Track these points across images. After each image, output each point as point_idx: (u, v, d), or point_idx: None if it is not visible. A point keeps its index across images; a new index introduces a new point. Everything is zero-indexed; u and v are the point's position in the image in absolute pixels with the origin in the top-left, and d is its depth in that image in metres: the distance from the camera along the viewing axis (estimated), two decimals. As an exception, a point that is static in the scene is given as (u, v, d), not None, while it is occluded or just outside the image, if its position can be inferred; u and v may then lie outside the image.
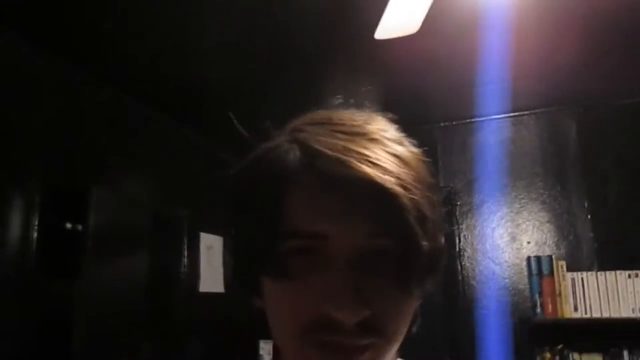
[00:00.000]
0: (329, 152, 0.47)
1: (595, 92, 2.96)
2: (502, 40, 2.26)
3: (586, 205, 2.98)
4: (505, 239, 3.08)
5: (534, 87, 2.91)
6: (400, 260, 0.48)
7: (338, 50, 2.46)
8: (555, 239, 3.00)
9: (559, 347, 2.68)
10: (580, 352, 2.69)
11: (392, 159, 0.49)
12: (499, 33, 2.19)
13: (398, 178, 0.47)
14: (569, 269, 2.75)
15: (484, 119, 3.24)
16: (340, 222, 0.47)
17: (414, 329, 0.56)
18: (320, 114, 0.55)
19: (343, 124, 0.51)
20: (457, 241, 3.16)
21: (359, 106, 0.54)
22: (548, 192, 3.05)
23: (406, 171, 0.49)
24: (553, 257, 2.80)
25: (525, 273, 2.83)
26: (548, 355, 2.68)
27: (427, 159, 0.54)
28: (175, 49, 2.41)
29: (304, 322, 0.47)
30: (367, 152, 0.48)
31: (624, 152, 2.93)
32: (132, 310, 2.48)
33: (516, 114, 3.18)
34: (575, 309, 2.68)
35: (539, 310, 2.71)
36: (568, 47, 2.44)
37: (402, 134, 0.53)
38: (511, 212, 3.10)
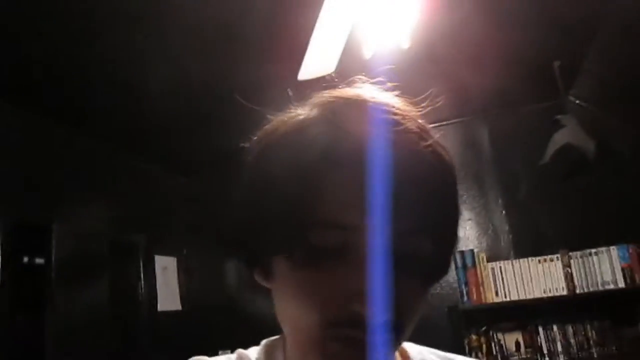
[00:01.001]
0: (366, 141, 0.45)
1: (501, 101, 3.35)
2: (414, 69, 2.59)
3: (500, 202, 3.37)
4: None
5: (450, 101, 3.29)
6: (433, 264, 0.48)
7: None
8: (477, 234, 3.38)
9: (484, 329, 3.05)
10: (503, 332, 3.07)
11: (428, 150, 0.47)
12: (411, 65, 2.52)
13: (443, 179, 0.48)
14: (489, 260, 3.12)
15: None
16: (379, 217, 0.45)
17: None
18: (349, 92, 0.52)
19: (377, 107, 0.49)
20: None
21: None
22: (467, 193, 3.43)
23: (445, 169, 0.48)
24: (475, 250, 3.17)
25: (453, 266, 3.19)
26: (474, 337, 3.05)
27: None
28: (123, 87, 2.63)
29: (329, 315, 0.46)
30: (414, 147, 0.46)
31: (530, 152, 3.32)
32: (99, 333, 2.67)
33: (437, 124, 3.54)
34: (497, 294, 3.05)
35: (466, 298, 3.07)
36: (473, 68, 2.81)
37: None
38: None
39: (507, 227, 3.32)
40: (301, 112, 0.52)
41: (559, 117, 2.98)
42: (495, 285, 3.07)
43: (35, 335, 2.39)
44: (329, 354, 0.46)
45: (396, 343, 0.49)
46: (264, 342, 0.60)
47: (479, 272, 3.09)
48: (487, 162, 3.45)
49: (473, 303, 3.05)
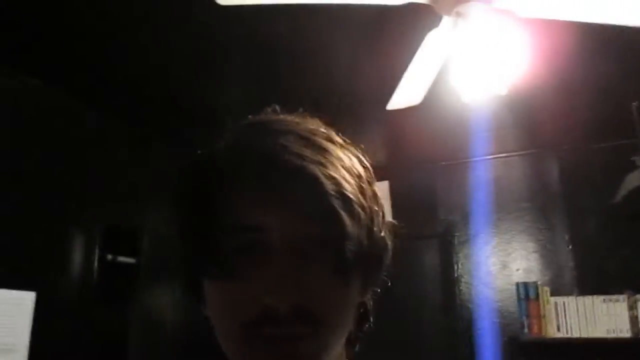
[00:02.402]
0: (255, 149, 0.49)
1: (574, 136, 3.37)
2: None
3: (567, 237, 3.38)
4: (497, 266, 3.47)
5: (519, 133, 3.34)
6: (332, 247, 0.49)
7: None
8: (541, 267, 3.39)
9: (543, 363, 3.06)
10: (562, 367, 3.07)
11: (317, 150, 0.50)
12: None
13: (320, 165, 0.49)
14: (552, 294, 3.13)
15: (478, 159, 3.64)
16: (271, 212, 0.48)
17: (364, 328, 0.59)
18: (255, 118, 0.56)
19: (272, 123, 0.53)
20: (455, 269, 3.55)
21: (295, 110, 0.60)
22: (534, 225, 3.45)
23: (332, 161, 0.50)
24: (538, 283, 3.19)
25: (515, 297, 3.21)
26: (533, 370, 3.06)
27: (358, 146, 0.57)
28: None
29: (245, 319, 0.47)
30: (289, 144, 0.49)
31: (600, 189, 3.31)
32: (179, 330, 2.84)
33: (505, 155, 3.59)
34: (558, 329, 3.06)
35: (526, 330, 3.09)
36: (545, 104, 2.86)
37: (334, 131, 0.56)
38: (502, 242, 3.49)
39: (572, 263, 3.32)
40: (215, 143, 0.55)
41: (634, 158, 2.98)
42: (557, 320, 3.07)
43: (120, 327, 2.58)
44: (254, 355, 0.47)
45: (325, 337, 0.48)
46: None
47: (541, 305, 3.10)
48: (555, 196, 3.46)
49: (533, 336, 3.07)
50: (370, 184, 0.55)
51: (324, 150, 0.51)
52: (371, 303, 0.59)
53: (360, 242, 0.50)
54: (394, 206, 3.71)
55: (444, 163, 3.69)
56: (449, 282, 3.54)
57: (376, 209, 0.55)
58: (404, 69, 2.03)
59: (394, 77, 2.10)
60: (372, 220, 0.53)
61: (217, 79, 2.56)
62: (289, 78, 2.57)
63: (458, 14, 1.66)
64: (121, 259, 2.62)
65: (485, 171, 3.62)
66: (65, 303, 2.46)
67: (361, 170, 0.55)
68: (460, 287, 3.51)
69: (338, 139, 0.55)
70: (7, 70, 2.31)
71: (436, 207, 3.67)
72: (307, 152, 0.49)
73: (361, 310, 0.57)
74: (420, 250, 3.65)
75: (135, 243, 2.63)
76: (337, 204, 0.48)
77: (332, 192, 0.48)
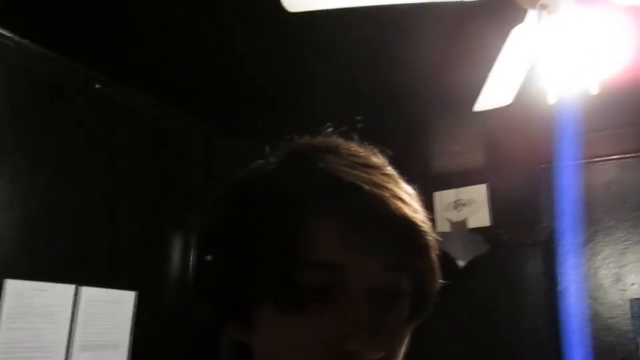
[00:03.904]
0: (362, 186, 0.46)
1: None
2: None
3: (692, 249, 3.00)
4: (609, 279, 3.16)
5: (634, 132, 3.01)
6: (415, 299, 0.48)
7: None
8: (658, 284, 3.04)
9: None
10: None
11: (408, 195, 0.49)
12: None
13: (417, 212, 0.48)
14: (674, 313, 2.80)
15: (587, 161, 3.34)
16: (359, 254, 0.45)
17: None
18: (325, 141, 0.53)
19: (353, 155, 0.51)
20: (560, 280, 3.29)
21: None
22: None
23: (419, 208, 0.49)
24: (656, 300, 2.87)
25: (629, 314, 2.91)
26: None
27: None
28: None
29: (324, 358, 0.45)
30: (383, 183, 0.47)
31: None
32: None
33: (619, 156, 3.27)
34: (681, 352, 2.72)
35: (642, 351, 2.79)
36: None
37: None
38: (615, 253, 3.18)
39: (694, 280, 2.95)
40: (273, 160, 0.53)
41: None
42: (680, 342, 2.74)
43: (215, 326, 2.68)
44: None
45: None
46: None
47: (660, 324, 2.78)
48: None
49: (650, 358, 2.76)
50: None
51: (404, 189, 0.49)
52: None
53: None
54: (493, 211, 3.53)
55: (544, 166, 3.44)
56: (552, 295, 3.28)
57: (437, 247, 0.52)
58: (490, 68, 1.91)
59: (481, 77, 1.99)
60: (437, 258, 0.52)
61: (302, 86, 2.58)
62: (372, 83, 2.53)
63: (543, 6, 1.53)
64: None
65: (594, 175, 3.32)
66: (164, 302, 2.60)
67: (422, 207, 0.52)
68: (566, 301, 3.24)
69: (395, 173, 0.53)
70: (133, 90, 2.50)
71: (539, 213, 3.42)
72: (393, 188, 0.48)
73: None
74: (521, 259, 3.43)
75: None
76: (428, 244, 0.47)
77: (434, 247, 0.48)
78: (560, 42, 1.55)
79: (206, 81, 2.56)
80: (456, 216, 3.57)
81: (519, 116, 2.66)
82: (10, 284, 1.99)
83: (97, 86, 2.42)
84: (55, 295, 2.14)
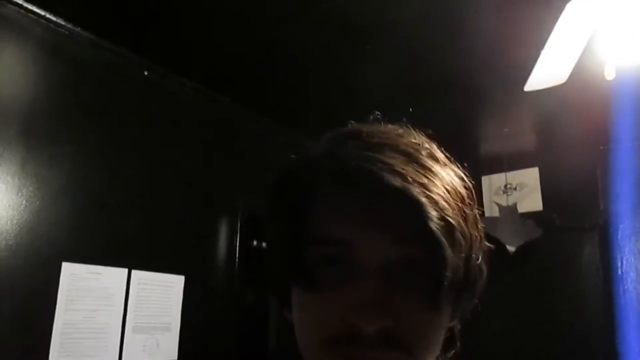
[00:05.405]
0: (353, 162, 0.47)
1: None
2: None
3: None
4: (670, 265, 3.01)
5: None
6: (428, 272, 0.47)
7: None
8: None
9: None
10: None
11: (420, 169, 0.48)
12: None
13: (424, 187, 0.47)
14: None
15: (646, 141, 3.18)
16: (366, 230, 0.46)
17: (450, 354, 0.55)
18: (353, 128, 0.55)
19: (372, 136, 0.51)
20: (619, 265, 3.15)
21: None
22: None
23: (435, 183, 0.48)
24: None
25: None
26: None
27: (470, 179, 0.54)
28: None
29: (327, 334, 0.46)
30: (391, 161, 0.47)
31: None
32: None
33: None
34: None
35: None
36: None
37: (442, 151, 0.54)
38: (677, 237, 3.02)
39: None
40: (304, 153, 0.55)
41: None
42: None
43: (261, 309, 2.73)
44: None
45: None
46: None
47: None
48: None
49: None
50: (472, 206, 0.52)
51: (427, 169, 0.49)
52: (459, 327, 0.56)
53: (458, 269, 0.48)
54: (545, 195, 3.41)
55: (602, 147, 3.28)
56: (611, 281, 3.15)
57: (476, 234, 0.52)
58: (543, 46, 1.82)
59: (534, 54, 1.90)
60: (471, 247, 0.51)
61: (352, 70, 2.54)
62: (423, 66, 2.46)
63: (602, -24, 1.44)
64: (264, 245, 2.76)
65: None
66: (212, 286, 2.65)
67: (463, 192, 0.52)
68: (626, 287, 3.11)
69: (441, 156, 0.53)
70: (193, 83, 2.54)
71: (596, 196, 3.27)
72: (409, 171, 0.47)
73: (448, 335, 0.53)
74: (577, 244, 3.30)
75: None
76: (438, 229, 0.46)
77: (434, 217, 0.46)
78: (619, 14, 1.45)
79: (254, 69, 2.56)
80: (506, 201, 3.47)
81: (574, 95, 2.54)
82: (67, 267, 2.06)
83: (145, 73, 2.46)
84: (109, 278, 2.21)
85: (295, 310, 0.51)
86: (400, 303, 0.45)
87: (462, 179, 0.53)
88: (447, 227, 0.47)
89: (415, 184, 0.46)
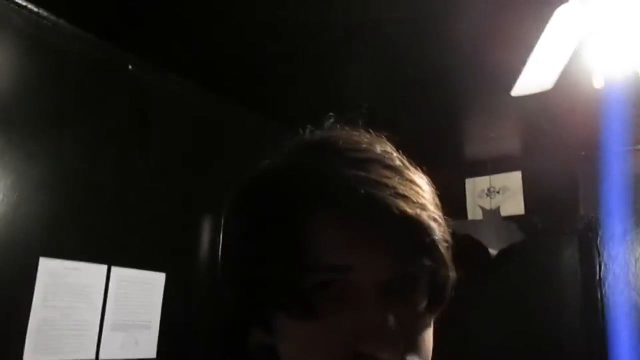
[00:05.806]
0: (346, 183, 0.45)
1: None
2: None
3: None
4: (650, 270, 3.05)
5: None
6: (428, 286, 0.47)
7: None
8: None
9: None
10: None
11: (406, 182, 0.47)
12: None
13: (423, 208, 0.46)
14: None
15: (628, 149, 3.22)
16: (366, 253, 0.44)
17: None
18: (324, 137, 0.53)
19: (353, 150, 0.49)
20: (598, 270, 3.19)
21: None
22: None
23: (423, 195, 0.48)
24: (702, 293, 2.75)
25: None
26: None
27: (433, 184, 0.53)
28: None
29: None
30: (384, 180, 0.46)
31: None
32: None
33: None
34: None
35: (684, 346, 2.69)
36: None
37: (401, 156, 0.52)
38: (657, 243, 3.06)
39: None
40: (277, 160, 0.52)
41: None
42: None
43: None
44: None
45: None
46: None
47: None
48: None
49: (693, 353, 2.66)
50: (441, 210, 0.51)
51: (412, 182, 0.48)
52: None
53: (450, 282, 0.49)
54: (527, 199, 3.44)
55: (584, 153, 3.32)
56: (590, 285, 3.19)
57: (449, 238, 0.51)
58: (531, 51, 1.83)
59: (521, 60, 1.91)
60: (447, 250, 0.49)
61: (338, 67, 2.53)
62: (408, 66, 2.46)
63: (591, -16, 1.45)
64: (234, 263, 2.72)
65: (637, 163, 3.19)
66: (193, 285, 2.62)
67: (435, 197, 0.51)
68: (604, 291, 3.15)
69: (406, 162, 0.52)
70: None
71: (577, 201, 3.31)
72: (395, 184, 0.46)
73: None
74: (557, 248, 3.33)
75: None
76: (434, 241, 0.46)
77: (442, 240, 0.46)
78: (608, 23, 1.46)
79: (241, 64, 2.54)
80: (489, 204, 3.49)
81: (559, 101, 2.56)
82: (45, 262, 2.02)
83: (130, 67, 2.42)
84: (88, 274, 2.17)
85: (286, 339, 0.48)
86: (409, 320, 0.45)
87: (429, 182, 0.52)
88: (438, 236, 0.47)
89: (403, 198, 0.45)
